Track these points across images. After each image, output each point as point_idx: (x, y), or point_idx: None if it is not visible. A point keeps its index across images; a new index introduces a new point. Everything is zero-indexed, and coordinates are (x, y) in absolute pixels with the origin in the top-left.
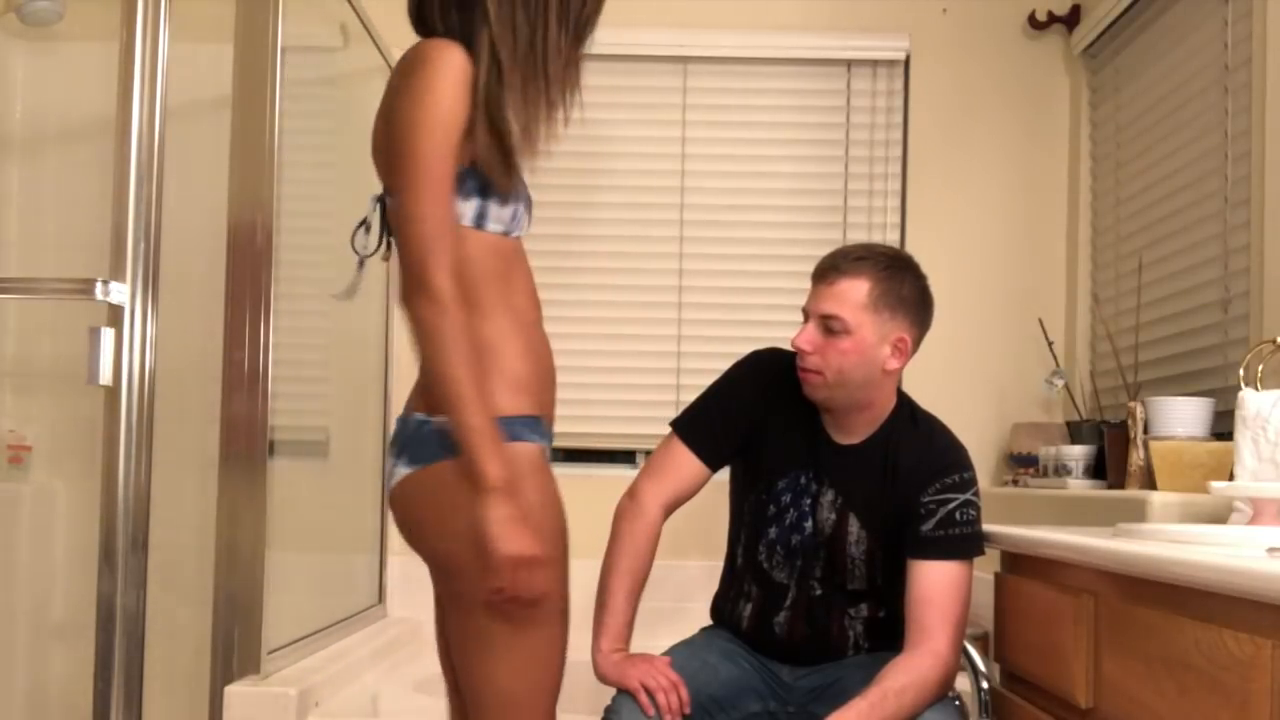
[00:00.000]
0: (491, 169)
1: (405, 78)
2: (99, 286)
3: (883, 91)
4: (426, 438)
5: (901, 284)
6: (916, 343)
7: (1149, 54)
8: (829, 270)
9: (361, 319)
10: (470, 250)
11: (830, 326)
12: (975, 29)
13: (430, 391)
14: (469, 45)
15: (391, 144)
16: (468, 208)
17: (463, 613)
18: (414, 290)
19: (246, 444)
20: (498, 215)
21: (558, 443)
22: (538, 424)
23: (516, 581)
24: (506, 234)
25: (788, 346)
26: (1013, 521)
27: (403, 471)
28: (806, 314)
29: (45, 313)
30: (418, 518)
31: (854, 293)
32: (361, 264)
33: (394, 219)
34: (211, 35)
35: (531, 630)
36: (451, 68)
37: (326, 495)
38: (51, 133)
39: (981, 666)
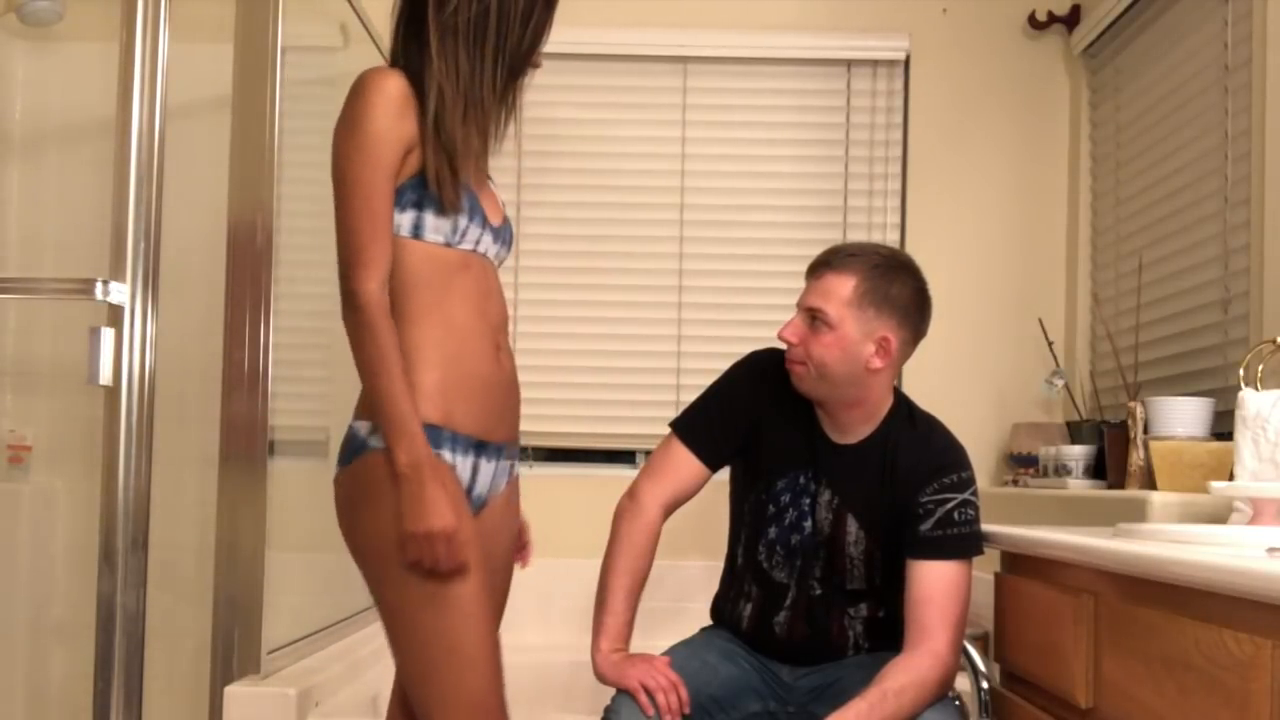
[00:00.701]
0: (441, 185)
1: (345, 105)
2: (99, 286)
3: (883, 91)
4: (348, 440)
5: (891, 284)
6: (906, 345)
7: (1149, 54)
8: (820, 265)
9: None
10: (403, 258)
11: (815, 320)
12: (975, 29)
13: (362, 396)
14: (421, 76)
15: (332, 166)
16: (405, 219)
17: (379, 606)
18: (343, 298)
19: (246, 444)
20: (435, 226)
21: (557, 443)
22: (435, 433)
23: (423, 554)
24: (448, 245)
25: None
26: (1013, 521)
27: (335, 472)
28: (799, 308)
29: (45, 313)
30: (339, 514)
31: (840, 288)
32: None
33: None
34: (211, 35)
35: (439, 624)
36: (382, 93)
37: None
38: (51, 133)
39: (981, 666)
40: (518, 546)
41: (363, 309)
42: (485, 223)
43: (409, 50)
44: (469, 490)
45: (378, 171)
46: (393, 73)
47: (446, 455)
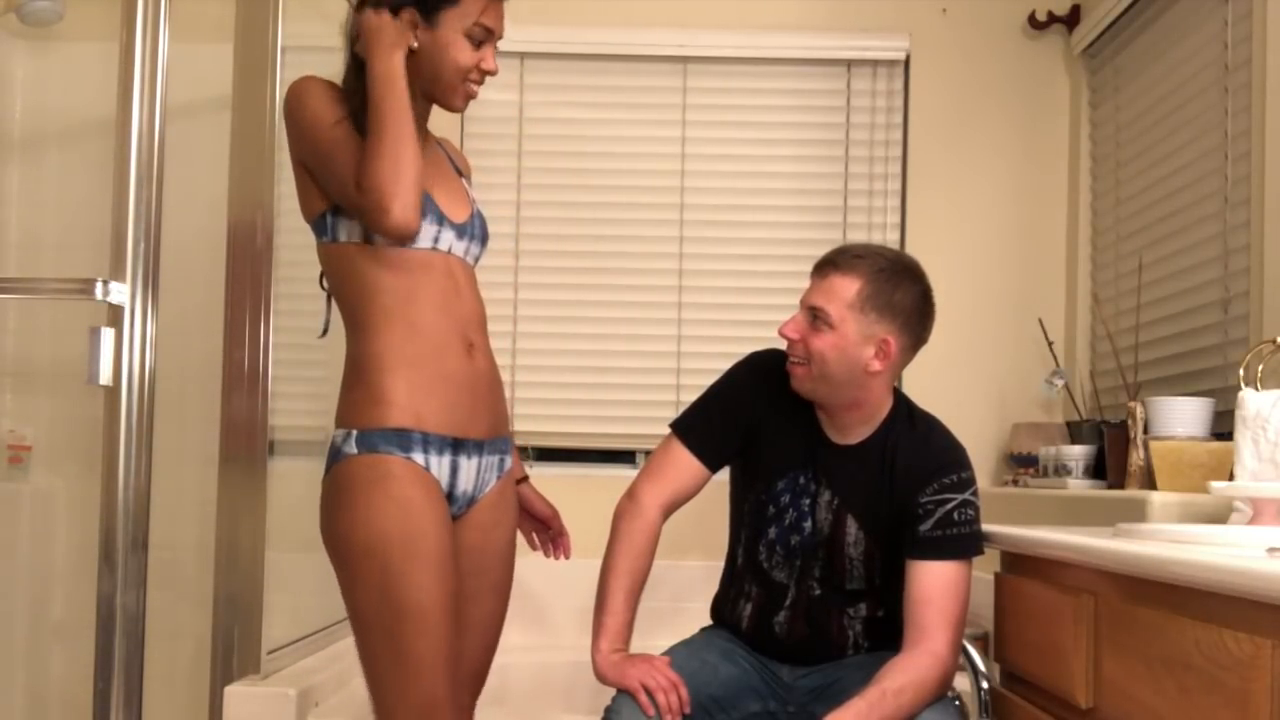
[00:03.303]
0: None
1: (284, 114)
2: (99, 286)
3: (883, 91)
4: (329, 449)
5: (895, 288)
6: (906, 350)
7: (1149, 54)
8: (826, 264)
9: None
10: (360, 265)
11: (816, 319)
12: (975, 29)
13: (342, 405)
14: (354, 90)
15: (305, 157)
16: (354, 226)
17: (346, 606)
18: (381, 232)
19: (246, 444)
20: None
21: (556, 443)
22: (405, 437)
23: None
24: (403, 246)
25: (785, 346)
26: (1013, 521)
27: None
28: (802, 305)
29: (45, 313)
30: (320, 517)
31: (844, 289)
32: (330, 300)
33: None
34: (211, 35)
35: (391, 635)
36: (307, 88)
37: None
38: (51, 133)
39: (981, 666)
40: (554, 535)
41: (394, 214)
42: (443, 219)
43: (350, 71)
44: (450, 490)
45: (335, 129)
46: (306, 76)
47: (419, 457)
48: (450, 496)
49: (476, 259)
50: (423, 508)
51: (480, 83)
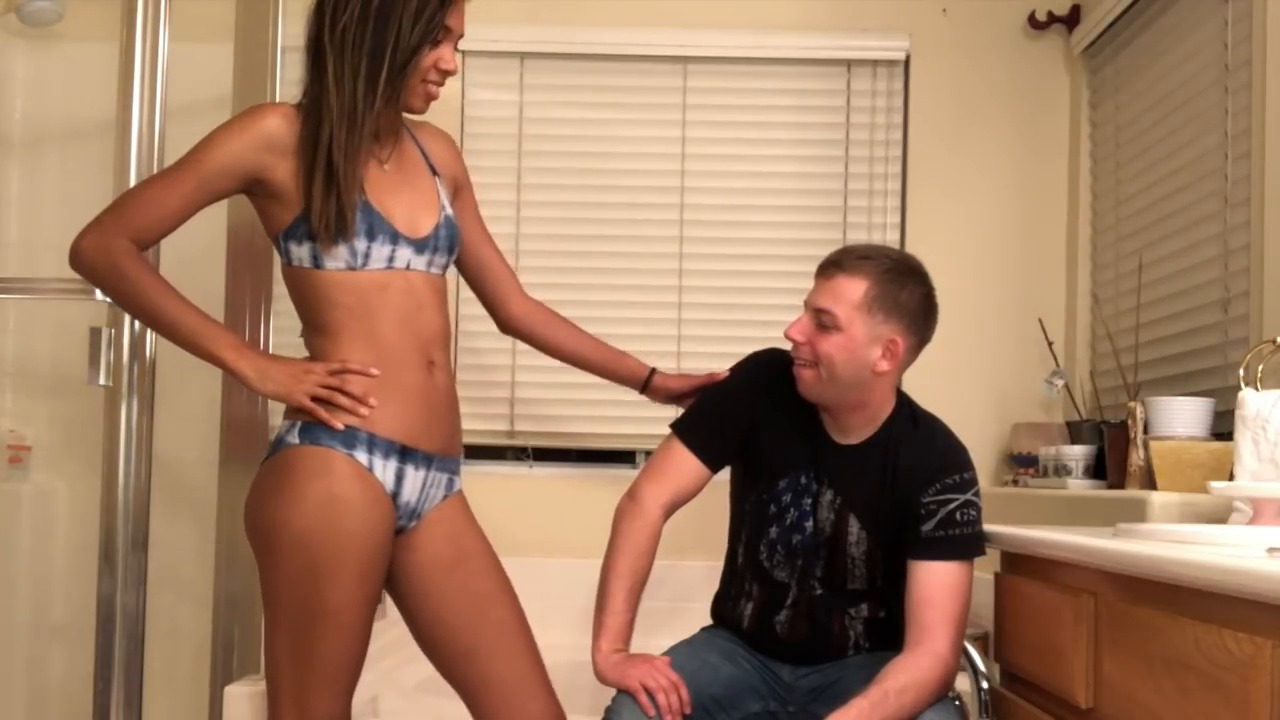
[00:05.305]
0: (321, 212)
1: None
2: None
3: (883, 91)
4: (274, 439)
5: (901, 289)
6: (912, 350)
7: (1149, 54)
8: (831, 266)
9: None
10: (313, 288)
11: (822, 321)
12: (975, 29)
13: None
14: (315, 100)
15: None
16: (303, 251)
17: (261, 586)
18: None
19: (246, 444)
20: (334, 253)
21: (557, 443)
22: (350, 434)
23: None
24: (352, 269)
25: (787, 347)
26: (1013, 521)
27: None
28: (807, 307)
29: (45, 313)
30: (248, 497)
31: (850, 291)
32: None
33: None
34: (211, 35)
35: (302, 633)
36: (248, 124)
37: None
38: (51, 133)
39: (981, 666)
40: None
41: (74, 264)
42: (397, 238)
43: (308, 76)
44: (395, 495)
45: (204, 170)
46: (277, 110)
47: (362, 456)
48: (394, 504)
49: (444, 268)
50: (361, 509)
51: (440, 83)
